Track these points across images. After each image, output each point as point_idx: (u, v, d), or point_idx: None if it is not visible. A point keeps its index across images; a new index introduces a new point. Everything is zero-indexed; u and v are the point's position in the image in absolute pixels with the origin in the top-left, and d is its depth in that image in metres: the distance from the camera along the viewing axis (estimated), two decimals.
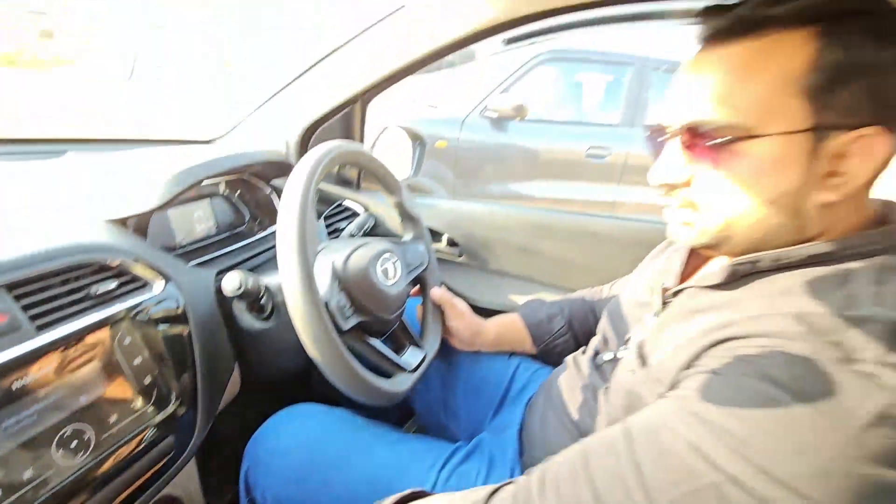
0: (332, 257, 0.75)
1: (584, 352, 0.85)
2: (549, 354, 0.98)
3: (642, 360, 0.58)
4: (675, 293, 0.61)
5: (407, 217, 0.96)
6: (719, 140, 0.47)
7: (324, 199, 1.21)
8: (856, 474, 0.33)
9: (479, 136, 3.24)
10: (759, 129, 0.45)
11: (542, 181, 3.46)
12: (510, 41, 1.19)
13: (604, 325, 0.79)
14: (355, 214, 1.21)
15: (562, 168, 3.46)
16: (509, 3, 0.87)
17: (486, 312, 1.21)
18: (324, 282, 0.70)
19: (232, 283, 0.69)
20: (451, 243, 1.25)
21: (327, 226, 1.12)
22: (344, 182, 1.31)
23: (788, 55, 0.44)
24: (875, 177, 0.47)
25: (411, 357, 0.83)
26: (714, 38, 0.49)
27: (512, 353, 1.01)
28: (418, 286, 0.97)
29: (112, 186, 0.78)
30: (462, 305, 0.97)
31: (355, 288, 0.73)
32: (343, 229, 1.08)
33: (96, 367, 0.56)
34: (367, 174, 0.98)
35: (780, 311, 0.43)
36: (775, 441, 0.36)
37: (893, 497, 0.33)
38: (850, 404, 0.35)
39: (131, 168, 0.86)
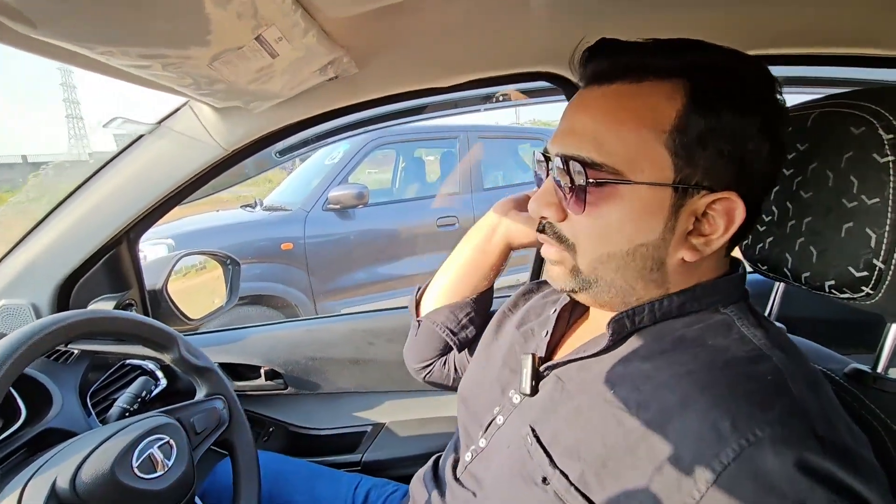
0: (55, 472, 0.56)
1: (435, 462, 0.74)
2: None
3: (550, 458, 0.48)
4: (552, 367, 0.55)
5: (194, 372, 0.80)
6: (592, 180, 0.46)
7: (99, 366, 0.98)
8: None
9: (327, 229, 3.16)
10: (628, 174, 0.45)
11: (401, 260, 3.45)
12: (282, 153, 1.14)
13: (463, 418, 0.68)
14: (145, 374, 0.99)
15: (418, 244, 3.50)
16: (261, 120, 0.81)
17: (331, 438, 1.07)
18: None
19: None
20: (273, 375, 1.08)
21: (97, 403, 0.90)
22: None
23: (659, 106, 0.45)
24: (734, 241, 0.50)
25: None
26: (596, 78, 0.49)
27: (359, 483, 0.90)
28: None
29: None
30: None
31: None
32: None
33: None
34: (123, 338, 0.79)
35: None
36: None
37: None
38: None
39: None
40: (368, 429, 1.09)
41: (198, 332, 1.19)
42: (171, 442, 0.66)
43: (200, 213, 3.40)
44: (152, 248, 2.62)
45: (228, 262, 1.33)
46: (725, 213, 0.46)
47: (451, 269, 0.79)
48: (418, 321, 0.80)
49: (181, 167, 0.86)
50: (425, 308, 0.81)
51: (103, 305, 0.95)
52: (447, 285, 0.79)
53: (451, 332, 0.77)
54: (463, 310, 0.77)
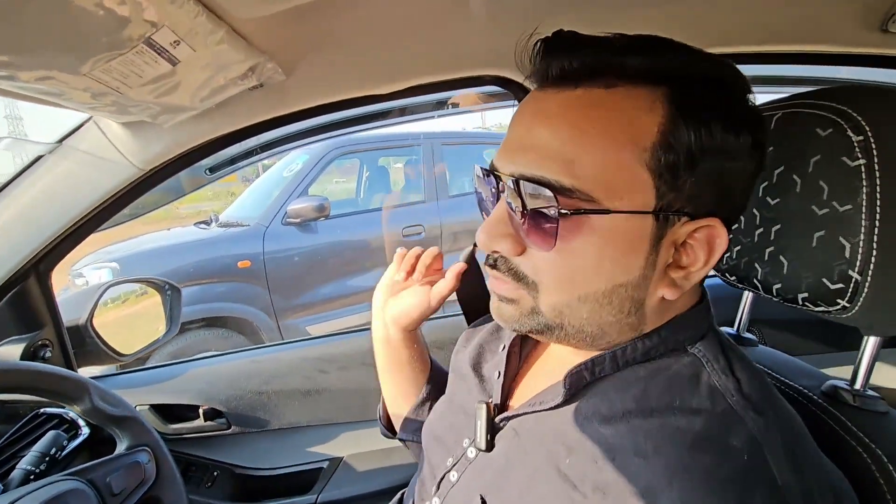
0: None
1: (400, 500, 0.67)
2: None
3: None
4: (508, 418, 0.49)
5: (111, 423, 0.70)
6: (566, 210, 0.37)
7: (11, 415, 0.86)
8: None
9: (287, 244, 3.03)
10: (604, 201, 0.37)
11: (368, 272, 3.35)
12: (212, 170, 1.06)
13: (423, 467, 0.61)
14: (64, 423, 0.88)
15: (384, 254, 3.42)
16: (179, 136, 0.73)
17: (283, 479, 0.98)
18: None
19: None
20: (213, 415, 0.98)
21: (7, 461, 0.78)
22: None
23: (638, 118, 0.37)
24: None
25: None
26: (555, 80, 0.40)
27: None
28: None
29: None
30: None
31: None
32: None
33: None
34: (20, 392, 0.68)
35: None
36: None
37: None
38: None
39: None
40: (325, 465, 1.00)
41: (126, 370, 1.08)
42: None
43: (150, 231, 3.23)
44: (95, 273, 2.45)
45: (167, 287, 1.22)
46: (707, 241, 0.39)
47: (384, 376, 0.73)
48: (402, 440, 0.74)
49: (91, 190, 0.76)
50: (394, 419, 0.75)
51: (10, 350, 0.84)
52: (394, 393, 0.73)
53: None
54: (425, 403, 0.70)
